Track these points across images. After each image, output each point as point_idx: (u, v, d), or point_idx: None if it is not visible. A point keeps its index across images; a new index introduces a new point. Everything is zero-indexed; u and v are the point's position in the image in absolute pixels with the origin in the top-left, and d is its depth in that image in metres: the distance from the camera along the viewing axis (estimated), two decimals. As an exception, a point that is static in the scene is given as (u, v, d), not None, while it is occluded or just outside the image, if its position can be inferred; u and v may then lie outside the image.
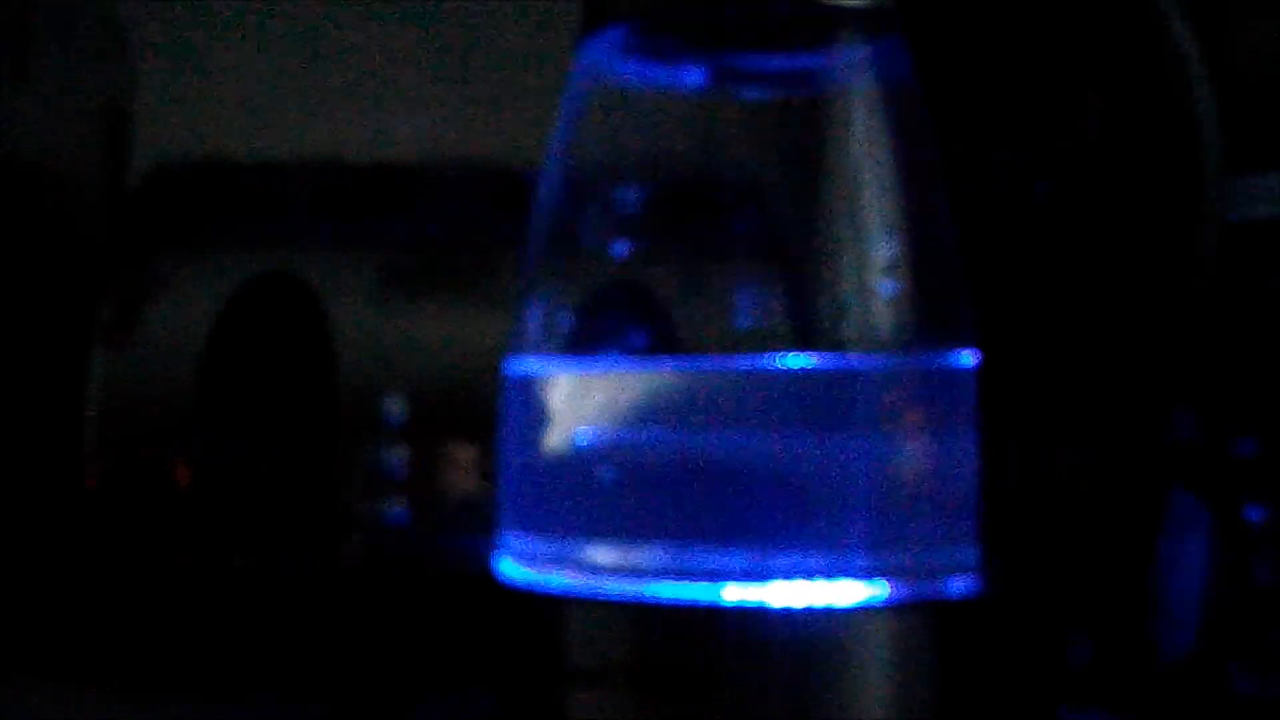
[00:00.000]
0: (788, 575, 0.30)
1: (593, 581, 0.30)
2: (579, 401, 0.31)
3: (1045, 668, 0.39)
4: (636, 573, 0.30)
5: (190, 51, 0.51)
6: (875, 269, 0.31)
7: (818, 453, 0.30)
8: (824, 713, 0.29)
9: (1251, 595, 0.38)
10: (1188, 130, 0.37)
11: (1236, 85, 0.39)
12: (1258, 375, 0.38)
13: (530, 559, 0.32)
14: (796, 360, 0.30)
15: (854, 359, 0.31)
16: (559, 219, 0.33)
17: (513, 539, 0.32)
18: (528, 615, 0.31)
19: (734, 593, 0.30)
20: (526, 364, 0.33)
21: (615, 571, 0.30)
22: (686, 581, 0.30)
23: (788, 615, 0.29)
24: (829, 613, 0.30)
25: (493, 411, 0.34)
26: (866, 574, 0.30)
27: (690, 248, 0.32)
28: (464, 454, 0.44)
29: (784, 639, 0.29)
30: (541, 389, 0.32)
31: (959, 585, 0.31)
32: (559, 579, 0.31)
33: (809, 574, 0.30)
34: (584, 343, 0.32)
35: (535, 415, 0.32)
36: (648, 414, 0.30)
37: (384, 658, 0.43)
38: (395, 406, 0.44)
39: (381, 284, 0.45)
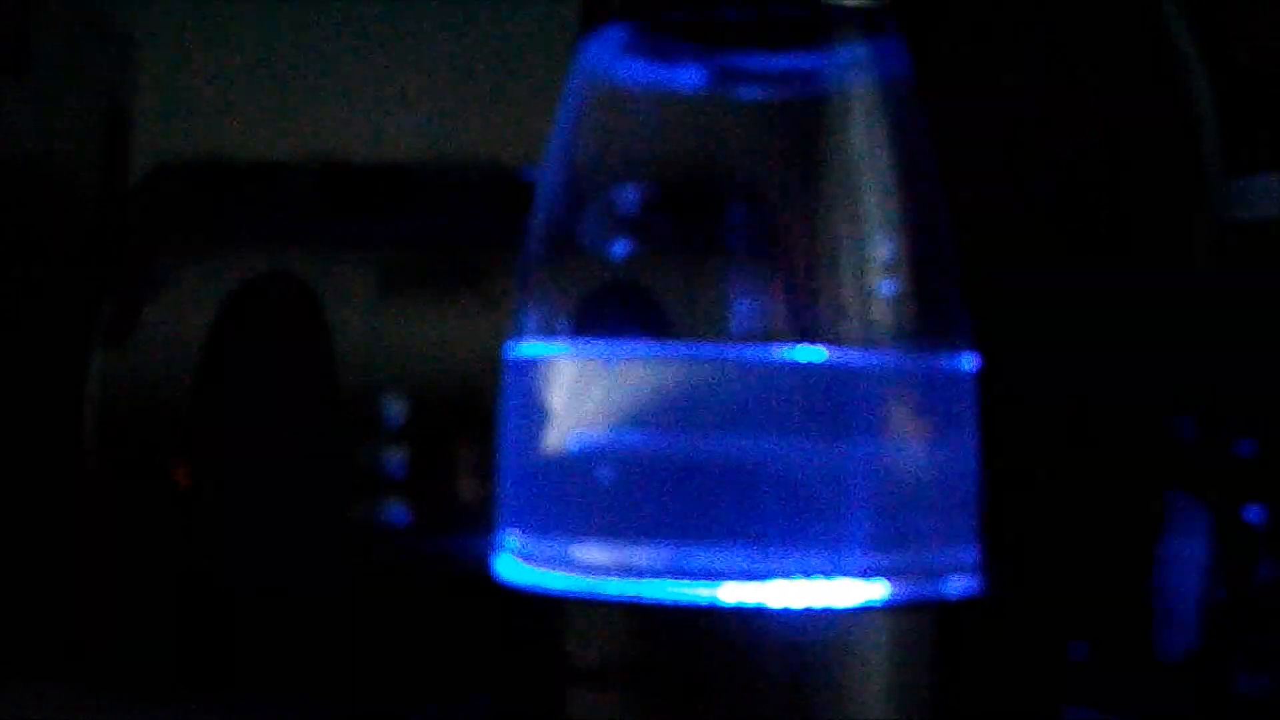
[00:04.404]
0: (787, 575, 0.30)
1: (592, 581, 0.30)
2: (578, 400, 0.31)
3: (1045, 667, 0.39)
4: (635, 572, 0.30)
5: (190, 51, 0.51)
6: (874, 268, 0.31)
7: (817, 452, 0.30)
8: (823, 713, 0.29)
9: (1251, 595, 0.38)
10: (1188, 130, 0.37)
11: (1236, 85, 0.39)
12: (1257, 376, 0.38)
13: (530, 559, 0.32)
14: (796, 360, 0.30)
15: (853, 358, 0.31)
16: (559, 219, 0.33)
17: (512, 539, 0.32)
18: (527, 615, 0.31)
19: (732, 592, 0.30)
20: (525, 363, 0.33)
21: (614, 571, 0.30)
22: (685, 581, 0.30)
23: (787, 615, 0.29)
24: (828, 613, 0.30)
25: (492, 411, 0.34)
26: (866, 574, 0.30)
27: (689, 248, 0.32)
28: (464, 454, 0.44)
29: (783, 639, 0.29)
30: (540, 388, 0.32)
31: (959, 585, 0.31)
32: (559, 579, 0.31)
33: (808, 574, 0.30)
34: (583, 342, 0.32)
35: (534, 414, 0.32)
36: (646, 412, 0.30)
37: (383, 658, 0.43)
38: (395, 406, 0.44)
39: (381, 284, 0.45)
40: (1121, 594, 0.39)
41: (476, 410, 0.43)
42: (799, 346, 0.30)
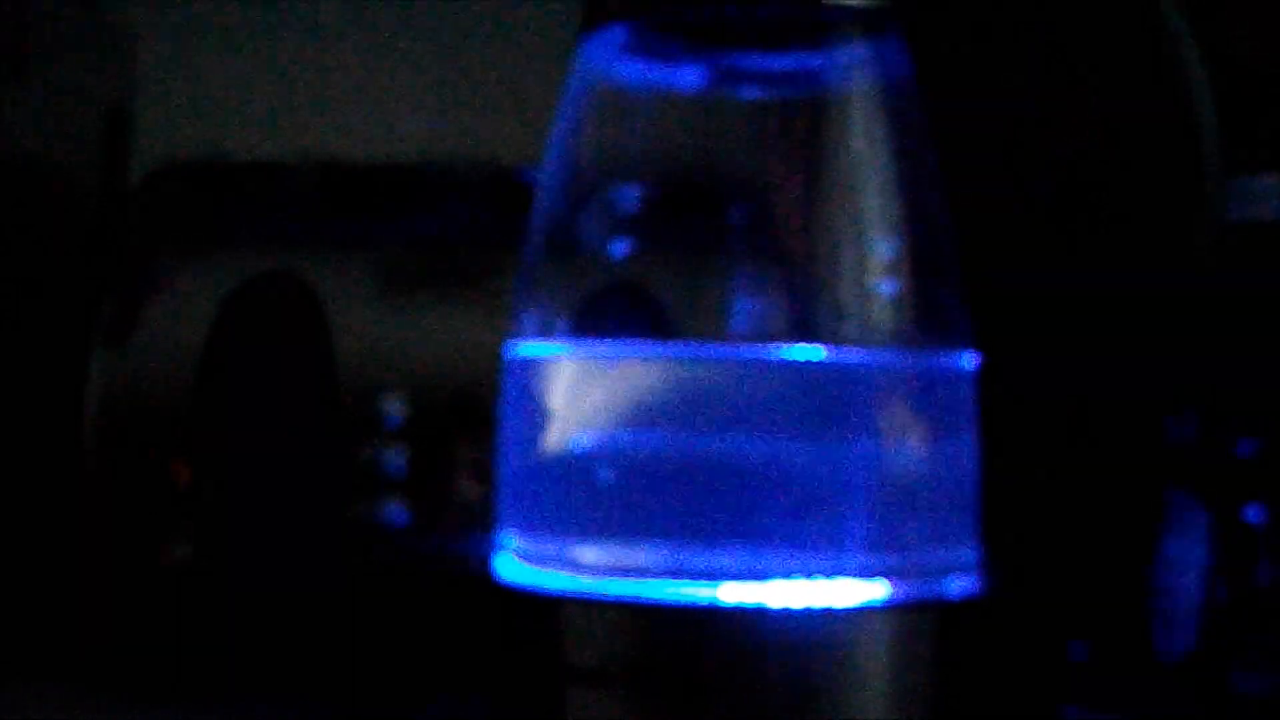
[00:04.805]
0: (787, 575, 0.30)
1: (592, 581, 0.30)
2: (578, 400, 0.31)
3: (1045, 667, 0.39)
4: (635, 572, 0.30)
5: (190, 51, 0.51)
6: (874, 268, 0.31)
7: (817, 452, 0.30)
8: (823, 713, 0.29)
9: (1251, 595, 0.38)
10: (1188, 130, 0.37)
11: (1236, 85, 0.39)
12: (1257, 376, 0.38)
13: (530, 559, 0.32)
14: (796, 360, 0.30)
15: (853, 358, 0.31)
16: (559, 219, 0.33)
17: (512, 539, 0.32)
18: (527, 615, 0.31)
19: (732, 592, 0.30)
20: (525, 363, 0.33)
21: (614, 571, 0.30)
22: (685, 581, 0.30)
23: (787, 615, 0.29)
24: (828, 613, 0.30)
25: (492, 411, 0.34)
26: (866, 574, 0.30)
27: (689, 248, 0.32)
28: (464, 454, 0.44)
29: (783, 639, 0.29)
30: (540, 388, 0.32)
31: (959, 585, 0.31)
32: (559, 579, 0.31)
33: (808, 574, 0.30)
34: (582, 342, 0.32)
35: (534, 414, 0.32)
36: (646, 412, 0.30)
37: (383, 658, 0.43)
38: (395, 406, 0.44)
39: (381, 284, 0.45)
40: (1121, 594, 0.39)
41: (476, 410, 0.43)
42: (799, 346, 0.30)
